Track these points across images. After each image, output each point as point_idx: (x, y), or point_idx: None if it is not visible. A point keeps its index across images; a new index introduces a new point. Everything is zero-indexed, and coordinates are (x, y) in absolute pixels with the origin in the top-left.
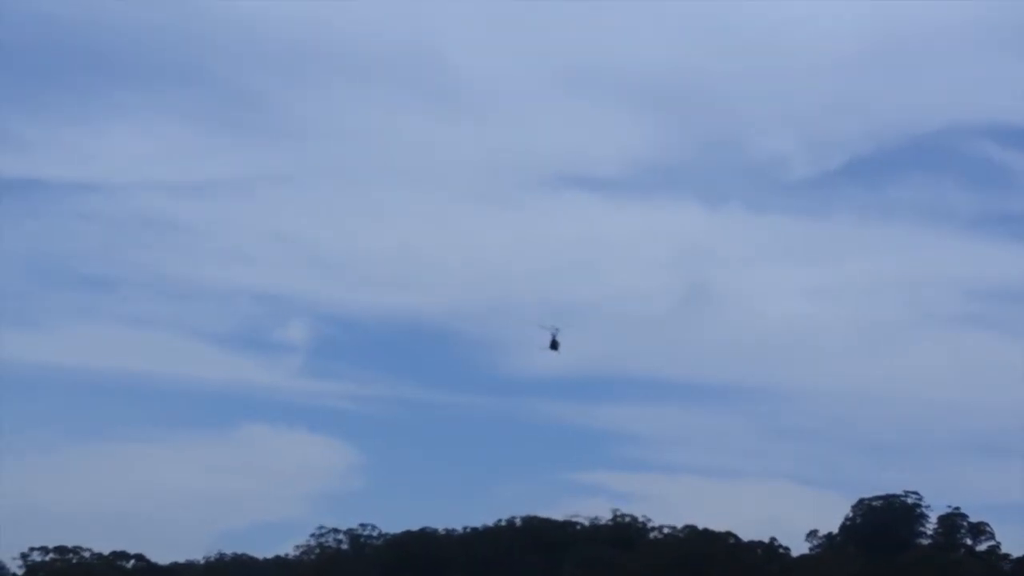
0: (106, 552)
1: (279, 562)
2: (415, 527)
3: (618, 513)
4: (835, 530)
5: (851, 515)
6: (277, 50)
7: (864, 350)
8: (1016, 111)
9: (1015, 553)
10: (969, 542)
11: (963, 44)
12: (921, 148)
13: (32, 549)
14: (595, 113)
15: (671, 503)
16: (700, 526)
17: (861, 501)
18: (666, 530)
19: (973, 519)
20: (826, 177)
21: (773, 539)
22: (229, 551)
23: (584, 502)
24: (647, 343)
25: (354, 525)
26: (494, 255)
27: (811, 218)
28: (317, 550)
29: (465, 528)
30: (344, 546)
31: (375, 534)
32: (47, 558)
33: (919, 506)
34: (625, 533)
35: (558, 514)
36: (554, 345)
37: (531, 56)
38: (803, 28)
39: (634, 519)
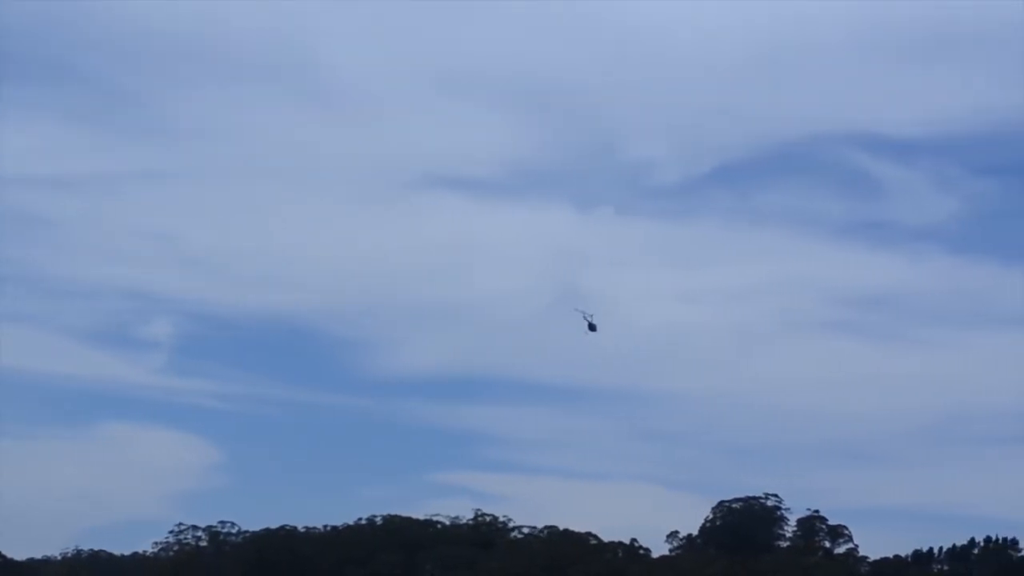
0: None
1: (137, 559)
2: (276, 525)
3: (479, 513)
4: (695, 531)
5: (711, 517)
6: (152, 49)
7: (729, 355)
8: (884, 120)
9: (872, 556)
10: (828, 544)
11: (834, 54)
12: (790, 155)
13: None
14: (468, 115)
15: (534, 504)
16: (561, 527)
17: (721, 503)
18: (526, 530)
19: (832, 522)
20: (696, 182)
21: (634, 540)
22: (87, 548)
23: (447, 502)
24: (514, 345)
25: (214, 522)
26: (364, 255)
27: (681, 223)
28: (176, 547)
29: (326, 527)
30: (203, 543)
31: (235, 531)
32: None
33: (779, 508)
34: (485, 533)
35: (420, 514)
36: (592, 327)
37: (405, 58)
38: (677, 35)
39: (495, 519)
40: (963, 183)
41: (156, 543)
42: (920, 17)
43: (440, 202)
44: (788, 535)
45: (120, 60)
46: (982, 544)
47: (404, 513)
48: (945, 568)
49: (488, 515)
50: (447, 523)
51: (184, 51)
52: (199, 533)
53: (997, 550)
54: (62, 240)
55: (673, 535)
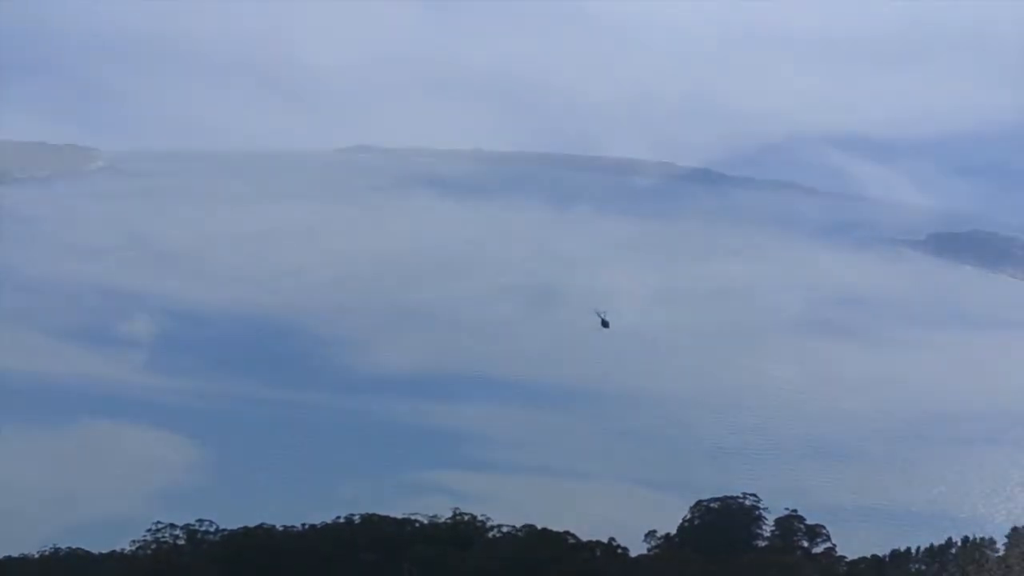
0: None
1: (114, 557)
2: (254, 523)
3: (458, 512)
4: (673, 531)
5: (689, 516)
6: (128, 44)
7: (708, 354)
8: (865, 121)
9: (850, 555)
10: (806, 544)
11: (814, 55)
12: (771, 155)
13: None
14: (447, 114)
15: (512, 502)
16: (539, 526)
17: (699, 502)
18: (505, 529)
19: (810, 521)
20: (676, 181)
21: (612, 539)
22: (65, 546)
23: (425, 501)
24: (492, 343)
25: (192, 521)
26: (342, 252)
27: (660, 221)
28: (153, 546)
29: (303, 525)
30: (181, 542)
31: (213, 530)
32: None
33: (757, 508)
34: (463, 532)
35: (398, 512)
36: (605, 324)
37: (385, 57)
38: (657, 36)
39: (473, 518)
40: (942, 184)
41: (134, 541)
42: (900, 19)
43: (418, 200)
44: (766, 535)
45: (95, 54)
46: (960, 544)
47: (382, 512)
48: (923, 568)
49: (466, 514)
50: (425, 522)
51: (162, 47)
52: (177, 531)
53: (975, 550)
54: (35, 236)
55: (651, 534)
